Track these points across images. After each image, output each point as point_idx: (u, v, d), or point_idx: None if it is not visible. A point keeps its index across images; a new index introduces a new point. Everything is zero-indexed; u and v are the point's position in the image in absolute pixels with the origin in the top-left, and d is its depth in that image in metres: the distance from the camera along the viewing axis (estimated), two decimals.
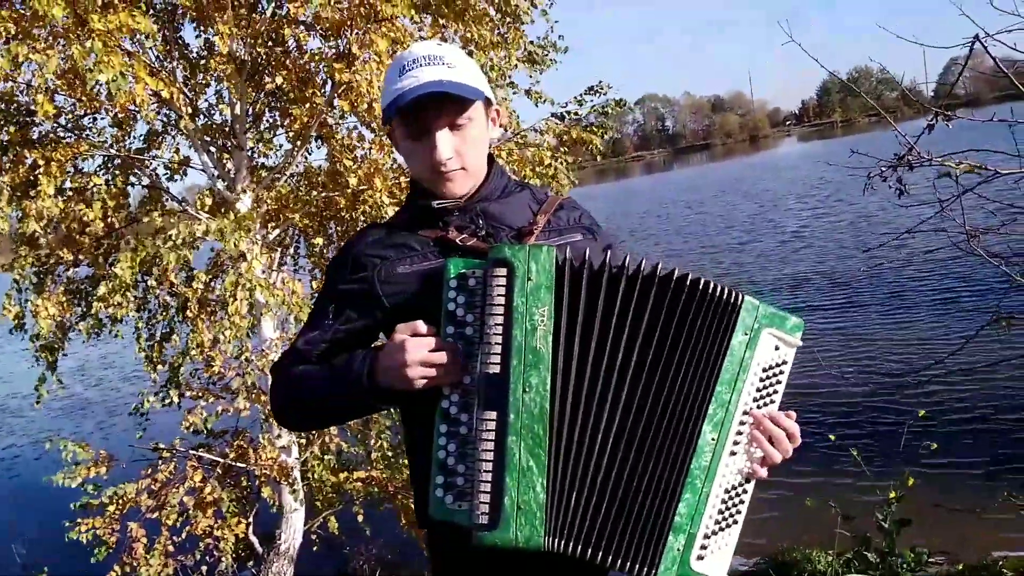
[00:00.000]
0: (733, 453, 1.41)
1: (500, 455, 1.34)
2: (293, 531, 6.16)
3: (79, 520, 5.50)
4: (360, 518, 6.20)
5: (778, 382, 1.45)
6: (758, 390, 1.43)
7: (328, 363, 1.56)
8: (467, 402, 1.39)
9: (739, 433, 1.41)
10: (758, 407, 1.43)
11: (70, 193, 5.14)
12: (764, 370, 1.43)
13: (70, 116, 5.12)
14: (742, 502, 1.44)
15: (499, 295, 1.37)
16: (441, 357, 1.39)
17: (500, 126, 1.74)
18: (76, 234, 5.29)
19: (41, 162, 4.65)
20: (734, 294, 1.40)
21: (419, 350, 1.39)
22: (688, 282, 1.38)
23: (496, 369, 1.36)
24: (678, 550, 1.37)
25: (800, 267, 15.23)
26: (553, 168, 5.56)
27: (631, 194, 45.07)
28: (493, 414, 1.35)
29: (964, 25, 3.40)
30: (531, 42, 5.99)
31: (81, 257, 5.49)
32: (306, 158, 6.13)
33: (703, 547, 1.39)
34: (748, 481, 1.44)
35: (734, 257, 17.22)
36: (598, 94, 6.11)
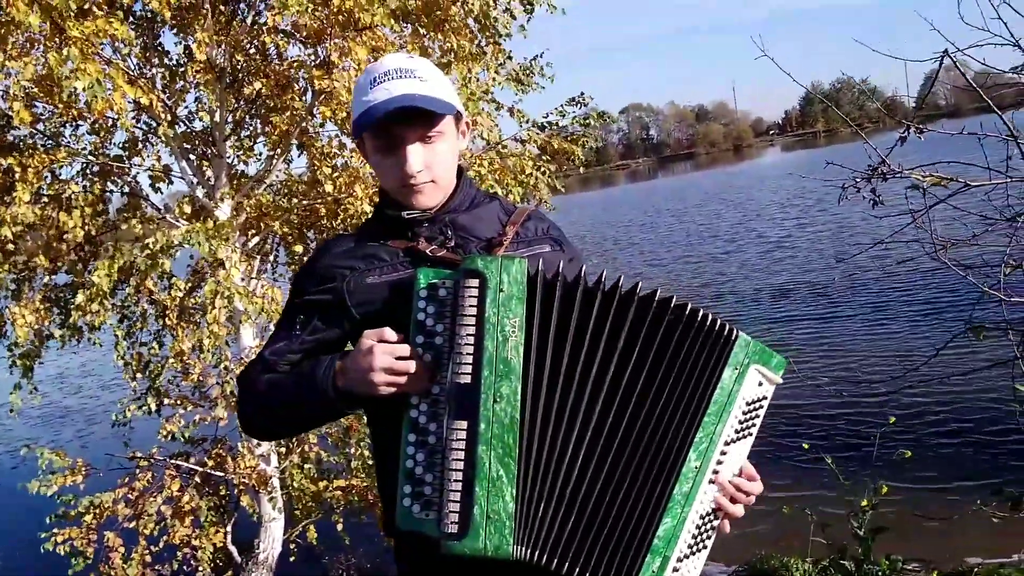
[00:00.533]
0: (712, 482, 1.44)
1: (470, 464, 1.34)
2: (272, 540, 6.12)
3: (55, 531, 5.45)
4: (339, 527, 6.17)
5: (757, 416, 1.48)
6: (740, 422, 1.45)
7: (294, 370, 1.57)
8: (436, 412, 1.40)
9: (719, 463, 1.44)
10: (738, 439, 1.46)
11: (47, 200, 5.11)
12: (747, 404, 1.46)
13: (48, 123, 5.08)
14: (713, 529, 1.46)
15: (471, 306, 1.38)
16: (408, 365, 1.39)
17: (472, 138, 1.76)
18: (54, 241, 5.26)
19: (17, 168, 4.63)
20: (727, 327, 1.43)
21: (385, 356, 1.40)
22: (672, 306, 1.40)
23: (467, 379, 1.37)
24: (654, 571, 1.38)
25: (780, 277, 15.35)
26: (534, 177, 5.59)
27: (615, 202, 45.24)
28: (464, 423, 1.36)
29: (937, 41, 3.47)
30: (518, 64, 6.05)
31: (59, 264, 5.46)
32: (287, 166, 6.13)
33: (675, 570, 1.41)
34: (719, 510, 1.46)
35: (716, 267, 17.29)
36: (579, 105, 6.16)
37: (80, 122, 5.20)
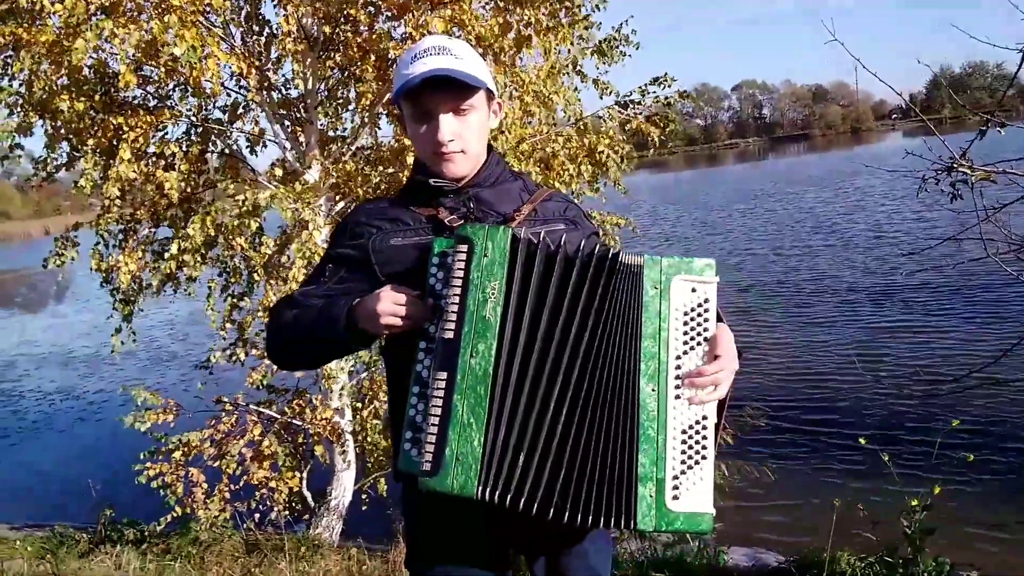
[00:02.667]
0: (678, 397, 1.51)
1: (446, 411, 1.48)
2: (343, 489, 6.46)
3: (147, 465, 5.94)
4: (392, 459, 6.41)
5: (705, 320, 1.54)
6: (685, 334, 1.53)
7: (317, 304, 1.73)
8: (432, 365, 1.54)
9: (678, 377, 1.51)
10: (690, 349, 1.53)
11: (151, 158, 5.51)
12: (685, 314, 1.53)
13: (154, 85, 5.45)
14: (704, 438, 1.51)
15: (459, 269, 1.52)
16: (405, 309, 1.55)
17: (499, 118, 1.87)
18: (156, 196, 5.68)
19: (126, 128, 5.01)
20: (635, 256, 1.53)
21: (390, 300, 1.56)
22: (608, 257, 1.52)
23: (450, 335, 1.50)
24: (651, 496, 1.47)
25: (859, 271, 14.88)
26: (606, 155, 5.62)
27: (718, 183, 44.14)
28: (444, 374, 1.49)
29: None
30: (600, 38, 6.04)
31: (161, 218, 5.88)
32: (375, 135, 6.36)
33: (675, 488, 1.48)
34: (705, 418, 1.52)
35: (805, 261, 16.64)
36: (662, 86, 6.12)
37: (183, 87, 5.55)
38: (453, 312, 1.50)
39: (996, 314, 10.47)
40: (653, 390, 1.49)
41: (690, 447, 1.50)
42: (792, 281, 14.51)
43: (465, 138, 1.70)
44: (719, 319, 1.57)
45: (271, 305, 6.00)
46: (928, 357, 9.13)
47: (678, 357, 1.51)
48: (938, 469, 4.12)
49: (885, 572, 3.91)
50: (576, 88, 6.19)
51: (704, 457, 1.50)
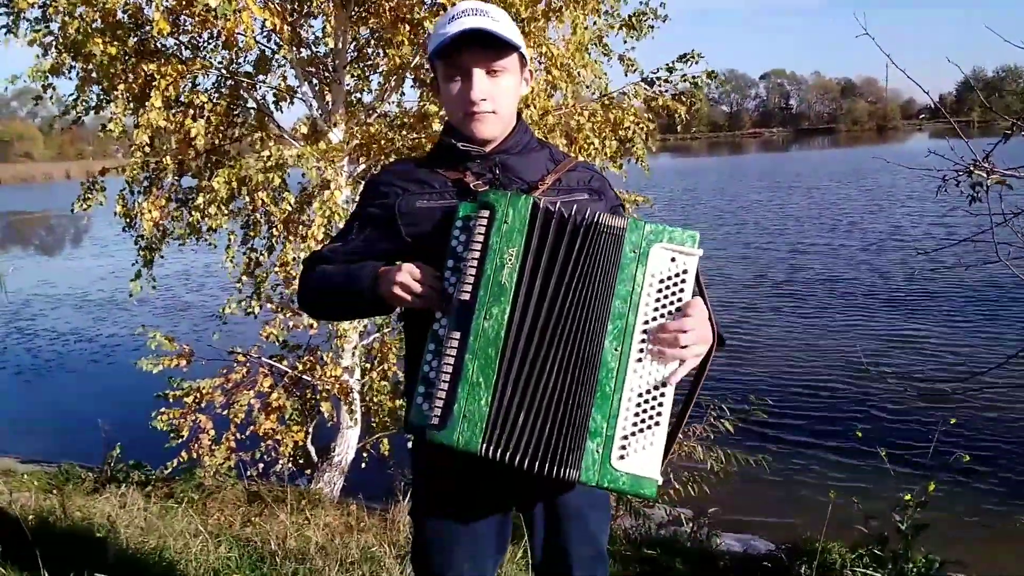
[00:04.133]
0: (639, 360, 1.55)
1: (457, 370, 1.54)
2: (347, 446, 6.57)
3: (162, 409, 6.06)
4: (410, 444, 6.52)
5: (680, 290, 1.57)
6: (657, 300, 1.56)
7: (345, 267, 1.80)
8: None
9: (643, 342, 1.55)
10: (660, 316, 1.57)
11: (180, 107, 5.56)
12: (661, 281, 1.57)
13: (187, 35, 5.49)
14: (661, 404, 1.56)
15: (479, 233, 1.57)
16: (422, 288, 1.61)
17: (530, 86, 1.92)
18: (183, 146, 5.73)
19: (157, 76, 5.05)
20: (621, 219, 1.57)
21: (407, 276, 1.62)
22: (594, 220, 1.56)
23: (466, 297, 1.56)
24: (597, 452, 1.53)
25: (870, 268, 14.87)
26: (631, 131, 5.62)
27: (739, 171, 43.81)
28: (458, 335, 1.55)
29: None
30: (631, 14, 6.01)
31: (186, 168, 5.95)
32: (400, 99, 6.39)
33: (623, 447, 1.54)
34: (664, 385, 1.56)
35: (820, 260, 16.55)
36: (689, 63, 6.09)
37: (215, 39, 5.58)
38: (471, 275, 1.56)
39: (1004, 318, 10.50)
40: (616, 350, 1.54)
41: (644, 411, 1.54)
42: (802, 276, 14.52)
43: (497, 99, 1.73)
44: (701, 294, 1.61)
45: (288, 260, 6.12)
46: (933, 358, 9.16)
47: (646, 322, 1.55)
48: (934, 467, 4.16)
49: (875, 565, 3.97)
50: (601, 63, 6.18)
51: (657, 424, 1.55)
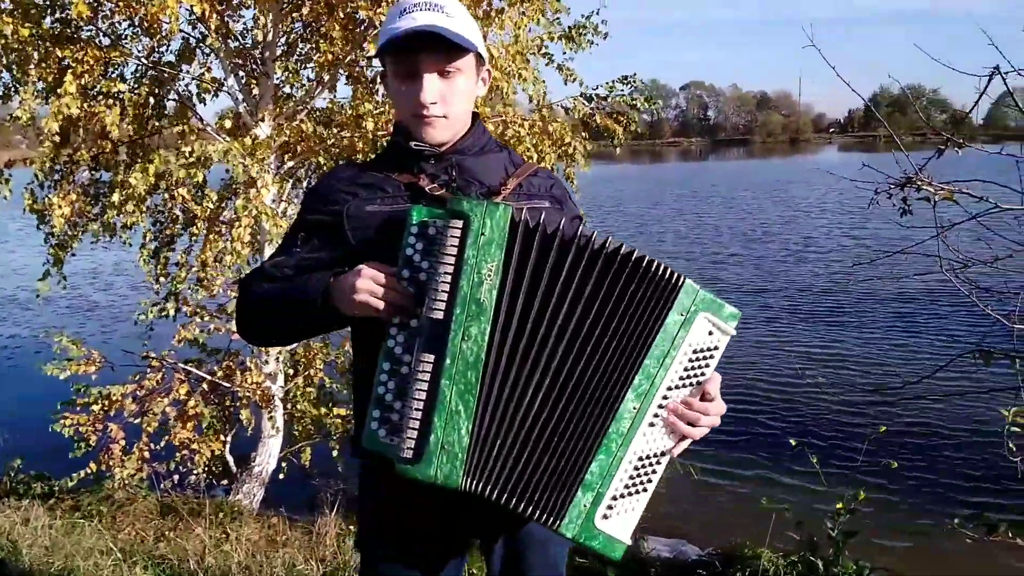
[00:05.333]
0: (652, 424, 1.47)
1: (432, 396, 1.41)
2: (268, 456, 6.31)
3: (65, 415, 5.67)
4: (335, 453, 6.33)
5: (706, 366, 1.50)
6: (685, 370, 1.48)
7: (290, 281, 1.62)
8: (411, 344, 1.46)
9: (660, 407, 1.47)
10: (684, 385, 1.49)
11: (97, 96, 5.22)
12: (695, 352, 1.48)
13: (106, 19, 5.16)
14: (655, 472, 1.49)
15: (452, 245, 1.43)
16: (388, 294, 1.45)
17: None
18: (98, 138, 5.38)
19: (72, 63, 4.72)
20: (675, 275, 1.45)
21: (368, 281, 1.45)
22: (633, 258, 1.44)
23: (439, 315, 1.42)
24: (585, 506, 1.44)
25: (806, 275, 15.28)
26: (572, 147, 5.59)
27: (660, 180, 44.68)
28: (431, 357, 1.42)
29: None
30: (570, 23, 6.00)
31: (101, 161, 5.59)
32: (332, 96, 6.17)
33: (610, 507, 1.45)
34: (663, 455, 1.50)
35: (746, 266, 17.00)
36: (630, 85, 6.13)
37: (136, 26, 5.27)
38: (444, 292, 1.43)
39: (933, 329, 10.89)
40: (635, 408, 1.45)
41: (639, 475, 1.48)
42: (724, 285, 14.81)
43: (449, 102, 1.60)
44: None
45: (208, 260, 5.83)
46: (861, 369, 9.42)
47: (669, 388, 1.48)
48: (863, 474, 4.26)
49: (806, 572, 4.01)
50: (538, 70, 6.13)
51: (645, 490, 1.49)
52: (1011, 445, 2.96)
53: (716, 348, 1.51)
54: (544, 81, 5.96)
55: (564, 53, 5.98)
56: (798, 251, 18.04)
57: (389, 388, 1.46)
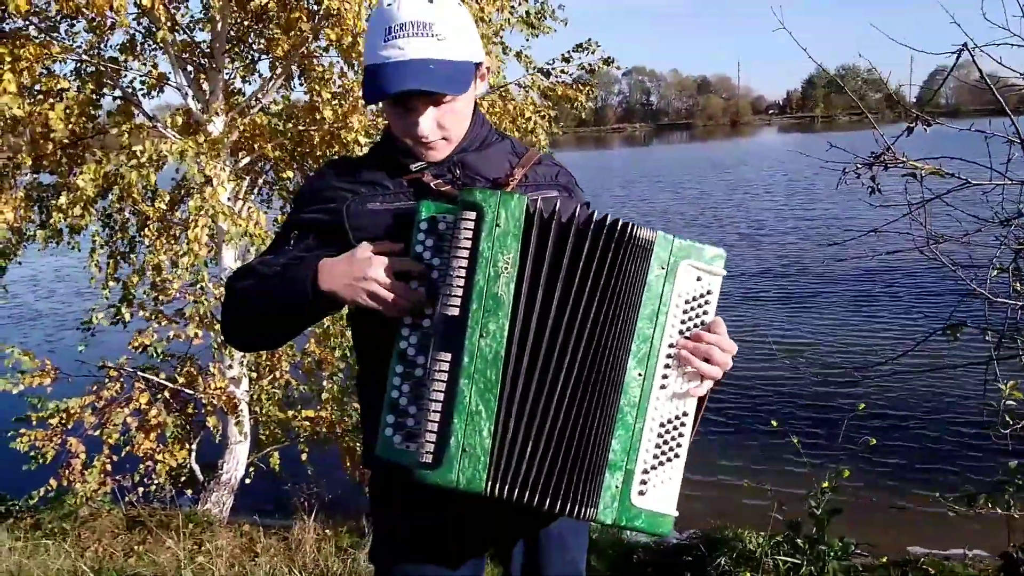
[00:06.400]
0: (663, 387, 1.41)
1: (451, 397, 1.33)
2: (236, 462, 6.15)
3: (22, 431, 5.43)
4: (304, 456, 6.20)
5: (704, 312, 1.44)
6: (682, 322, 1.42)
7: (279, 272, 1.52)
8: (424, 344, 1.38)
9: (667, 366, 1.41)
10: (684, 338, 1.42)
11: (38, 95, 4.97)
12: (687, 302, 1.42)
13: (43, 15, 4.92)
14: (681, 435, 1.43)
15: (466, 239, 1.36)
16: (399, 285, 1.37)
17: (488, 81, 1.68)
18: (40, 139, 5.13)
19: (8, 59, 4.48)
20: (648, 231, 1.39)
21: (380, 270, 1.37)
22: (619, 228, 1.37)
23: (455, 312, 1.35)
24: (616, 487, 1.37)
25: (765, 257, 15.44)
26: (533, 123, 5.52)
27: (608, 167, 44.94)
28: (448, 356, 1.34)
29: (954, 34, 3.43)
30: (530, 6, 5.93)
31: (44, 163, 5.34)
32: (287, 89, 6.00)
33: (643, 482, 1.39)
34: (685, 414, 1.43)
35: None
36: (587, 51, 6.05)
37: (78, 19, 5.04)
38: (459, 287, 1.35)
39: (908, 307, 11.08)
40: (640, 375, 1.39)
41: (665, 442, 1.41)
42: None
43: (448, 127, 1.51)
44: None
45: (162, 263, 5.63)
46: (834, 347, 9.55)
47: (671, 345, 1.41)
48: (843, 452, 4.30)
49: (791, 551, 4.03)
50: (498, 56, 6.05)
51: (677, 456, 1.42)
52: (1008, 418, 2.98)
53: (710, 292, 1.44)
54: (502, 66, 5.89)
55: (526, 39, 5.93)
56: (751, 234, 18.28)
57: (403, 392, 1.39)
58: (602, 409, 1.37)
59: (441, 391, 1.34)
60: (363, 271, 1.38)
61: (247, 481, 6.30)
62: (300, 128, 5.63)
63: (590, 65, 6.11)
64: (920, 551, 4.82)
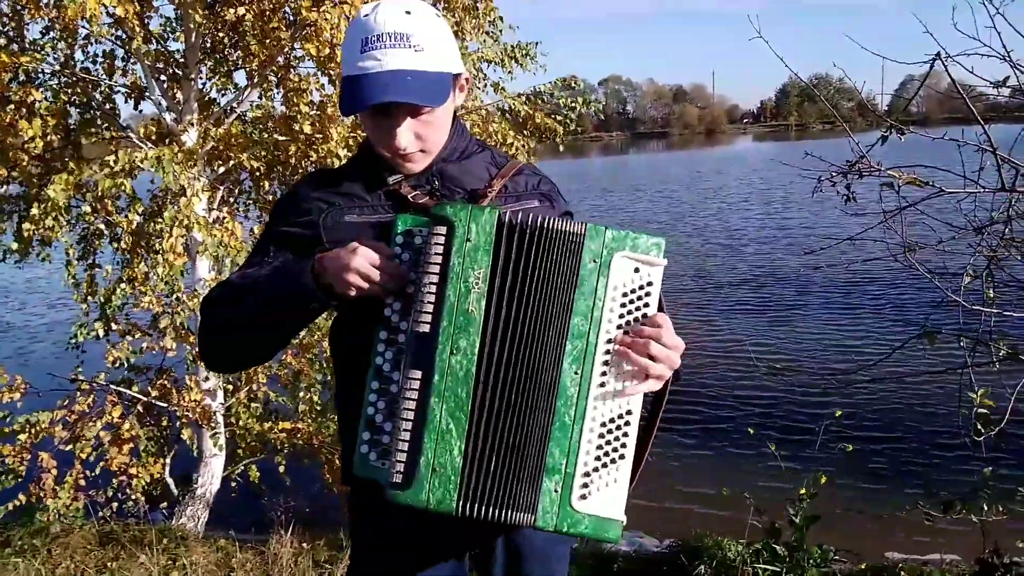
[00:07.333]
0: (603, 384, 1.37)
1: (421, 415, 1.32)
2: (211, 476, 6.07)
3: None
4: (282, 469, 6.13)
5: (645, 304, 1.40)
6: (621, 316, 1.38)
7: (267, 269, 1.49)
8: (399, 360, 1.37)
9: (606, 363, 1.37)
10: (624, 333, 1.38)
11: (11, 107, 4.89)
12: (624, 295, 1.38)
13: (10, 23, 4.85)
14: (626, 435, 1.38)
15: (436, 253, 1.34)
16: (379, 274, 1.36)
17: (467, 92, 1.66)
18: (11, 149, 5.05)
19: None
20: (579, 225, 1.37)
21: (364, 257, 1.35)
22: (546, 225, 1.35)
23: (426, 328, 1.33)
24: (555, 492, 1.34)
25: (742, 267, 15.53)
26: (515, 148, 5.54)
27: (586, 176, 45.02)
28: (418, 373, 1.33)
29: (925, 45, 3.47)
30: (510, 44, 6.02)
31: (14, 174, 5.26)
32: (264, 98, 5.95)
33: (584, 486, 1.35)
34: (629, 412, 1.39)
35: (697, 257, 17.23)
36: (572, 88, 6.15)
37: (50, 29, 4.98)
38: (429, 303, 1.33)
39: (882, 313, 11.20)
40: (576, 373, 1.35)
41: (608, 443, 1.37)
42: (677, 275, 14.91)
43: (427, 139, 1.50)
44: (660, 308, 1.43)
45: (138, 275, 5.55)
46: (811, 354, 9.62)
47: (608, 342, 1.37)
48: (820, 459, 4.32)
49: (770, 559, 4.03)
50: (481, 83, 6.12)
51: (622, 456, 1.38)
52: (979, 427, 3.00)
53: (650, 283, 1.40)
54: (478, 87, 5.93)
55: (510, 73, 5.99)
56: (729, 243, 18.36)
57: (379, 408, 1.38)
58: (536, 410, 1.34)
59: (412, 409, 1.32)
60: (348, 261, 1.35)
61: (232, 495, 6.23)
62: (276, 138, 5.59)
63: (572, 100, 6.20)
64: (898, 556, 4.85)
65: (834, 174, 4.00)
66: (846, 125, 4.03)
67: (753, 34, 3.90)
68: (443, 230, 1.35)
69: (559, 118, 6.18)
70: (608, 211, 26.07)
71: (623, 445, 1.38)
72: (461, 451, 1.32)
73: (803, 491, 3.83)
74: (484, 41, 5.64)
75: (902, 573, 4.30)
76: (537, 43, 6.19)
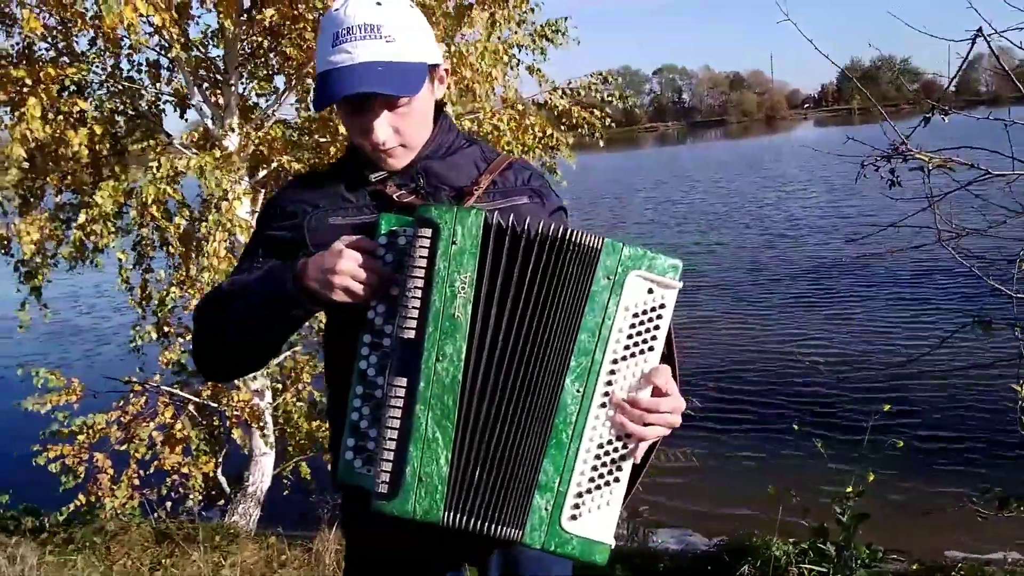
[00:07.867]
0: (604, 405, 1.33)
1: (406, 423, 1.29)
2: (262, 474, 6.19)
3: (48, 447, 5.52)
4: (329, 467, 6.21)
5: (655, 327, 1.35)
6: (629, 336, 1.33)
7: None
8: (384, 365, 1.35)
9: (609, 384, 1.33)
10: (631, 355, 1.34)
11: (60, 117, 5.05)
12: (635, 315, 1.33)
13: (59, 36, 5.00)
14: (623, 459, 1.35)
15: (421, 257, 1.31)
16: (367, 276, 1.32)
17: (446, 83, 1.62)
18: (63, 159, 5.22)
19: (29, 81, 4.55)
20: (595, 238, 1.32)
21: (350, 262, 1.32)
22: (560, 236, 1.30)
23: (411, 334, 1.30)
24: (545, 510, 1.30)
25: (790, 257, 15.20)
26: (555, 139, 5.50)
27: (638, 168, 44.59)
28: (404, 381, 1.30)
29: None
30: (542, 23, 5.95)
31: (67, 183, 5.43)
32: (305, 100, 6.03)
33: (576, 506, 1.32)
34: (629, 436, 1.34)
35: (741, 248, 16.90)
36: (609, 83, 6.08)
37: (96, 40, 5.12)
38: (415, 308, 1.30)
39: (932, 303, 10.80)
40: (578, 391, 1.31)
41: (604, 464, 1.33)
42: (725, 268, 14.67)
43: (404, 133, 1.46)
44: (669, 333, 1.38)
45: (189, 278, 5.68)
46: (862, 346, 9.32)
47: (614, 361, 1.33)
48: (869, 455, 4.17)
49: (817, 559, 3.92)
50: (514, 68, 6.05)
51: (617, 480, 1.34)
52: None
53: (663, 306, 1.34)
54: (518, 76, 5.89)
55: (542, 53, 5.91)
56: (786, 232, 17.96)
57: (364, 414, 1.35)
58: (537, 425, 1.31)
59: (397, 417, 1.29)
60: (333, 264, 1.32)
61: (284, 493, 6.34)
62: (316, 139, 5.66)
63: (609, 95, 6.12)
64: (958, 555, 4.67)
65: (877, 159, 3.86)
66: (882, 111, 3.90)
67: (797, 18, 3.81)
68: (428, 232, 1.31)
69: (598, 113, 6.10)
70: (662, 204, 25.76)
71: (619, 468, 1.35)
72: (448, 460, 1.29)
73: (850, 489, 3.70)
74: (515, 31, 5.58)
75: (961, 573, 4.14)
76: (566, 18, 6.07)
